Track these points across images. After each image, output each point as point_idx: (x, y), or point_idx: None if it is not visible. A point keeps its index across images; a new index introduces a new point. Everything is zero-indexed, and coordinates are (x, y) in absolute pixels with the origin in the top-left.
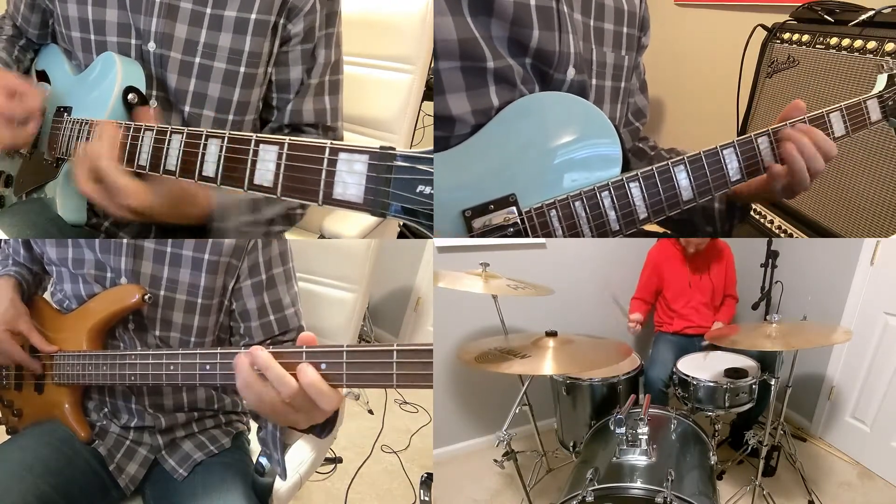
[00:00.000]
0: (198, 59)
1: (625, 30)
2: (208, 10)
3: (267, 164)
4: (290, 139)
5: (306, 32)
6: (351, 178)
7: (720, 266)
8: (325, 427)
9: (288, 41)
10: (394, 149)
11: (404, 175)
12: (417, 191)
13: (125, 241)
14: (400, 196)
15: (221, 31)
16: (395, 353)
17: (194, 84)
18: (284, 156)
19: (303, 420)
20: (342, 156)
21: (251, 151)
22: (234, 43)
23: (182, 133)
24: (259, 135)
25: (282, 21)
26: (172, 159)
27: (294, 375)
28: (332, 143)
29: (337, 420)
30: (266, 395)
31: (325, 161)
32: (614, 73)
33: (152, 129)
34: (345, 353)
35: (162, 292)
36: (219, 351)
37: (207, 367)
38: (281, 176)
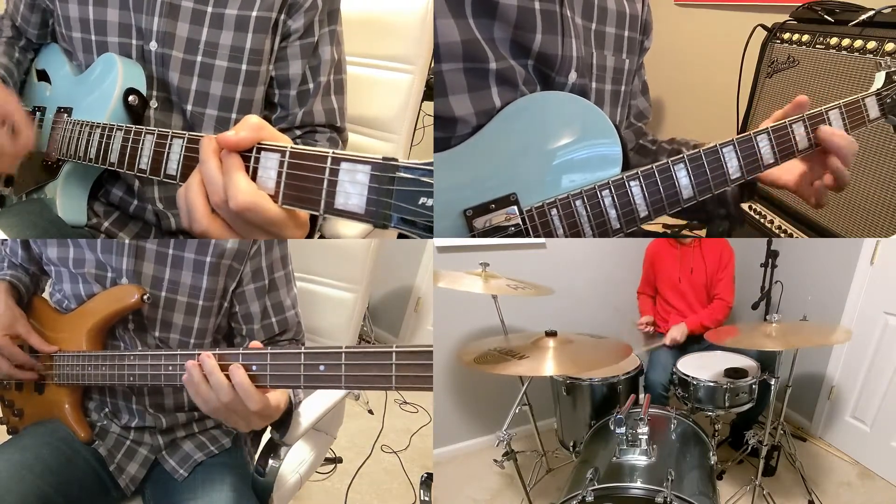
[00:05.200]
0: (199, 58)
1: (626, 34)
2: (209, 9)
3: (269, 172)
4: (291, 147)
5: (306, 28)
6: (353, 188)
7: (718, 264)
8: (278, 427)
9: (288, 37)
10: (396, 160)
11: (407, 187)
12: (419, 203)
13: (127, 241)
14: (402, 208)
15: (223, 29)
16: (394, 354)
17: (196, 83)
18: (286, 164)
19: (242, 424)
20: (344, 165)
21: (252, 158)
22: (235, 41)
23: (183, 138)
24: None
25: (282, 17)
26: (173, 164)
27: (228, 377)
28: (333, 153)
29: (291, 422)
30: (210, 398)
31: (328, 170)
32: (615, 76)
33: (153, 133)
34: (343, 354)
35: (163, 293)
36: (218, 352)
37: None
38: (282, 184)
